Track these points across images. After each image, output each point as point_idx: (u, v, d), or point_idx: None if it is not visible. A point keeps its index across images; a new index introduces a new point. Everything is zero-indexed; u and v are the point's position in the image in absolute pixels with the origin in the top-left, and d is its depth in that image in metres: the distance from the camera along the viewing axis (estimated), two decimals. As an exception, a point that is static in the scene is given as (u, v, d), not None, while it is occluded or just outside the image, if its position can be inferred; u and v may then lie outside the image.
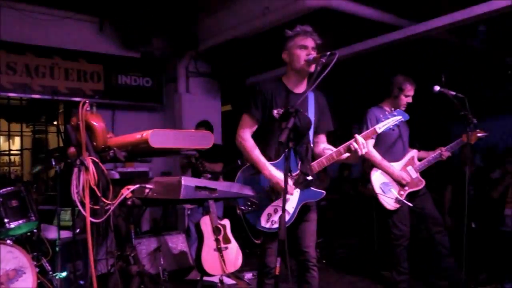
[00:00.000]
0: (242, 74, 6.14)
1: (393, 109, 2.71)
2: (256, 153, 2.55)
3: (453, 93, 3.64)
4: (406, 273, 3.84)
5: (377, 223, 4.09)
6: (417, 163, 3.89)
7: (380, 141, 3.82)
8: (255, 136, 2.63)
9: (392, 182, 3.76)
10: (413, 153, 3.91)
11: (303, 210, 2.61)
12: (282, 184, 2.23)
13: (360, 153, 2.46)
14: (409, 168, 3.84)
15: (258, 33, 5.26)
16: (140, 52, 6.09)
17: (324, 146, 2.72)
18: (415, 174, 3.83)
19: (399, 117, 2.65)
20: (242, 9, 5.29)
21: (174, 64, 6.30)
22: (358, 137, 2.47)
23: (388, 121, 2.63)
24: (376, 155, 3.75)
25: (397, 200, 3.71)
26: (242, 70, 6.12)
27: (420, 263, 4.61)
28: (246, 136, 2.60)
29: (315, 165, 2.57)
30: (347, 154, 2.52)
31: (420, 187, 3.83)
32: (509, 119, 7.34)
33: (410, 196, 3.81)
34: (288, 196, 2.50)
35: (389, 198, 3.70)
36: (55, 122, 7.18)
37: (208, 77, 6.41)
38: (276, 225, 2.50)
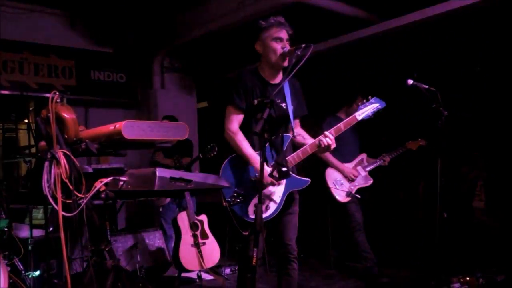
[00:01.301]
0: (218, 69, 6.11)
1: (370, 97, 2.77)
2: (247, 148, 2.55)
3: (426, 86, 3.74)
4: (372, 258, 4.20)
5: (331, 218, 4.51)
6: (366, 164, 4.42)
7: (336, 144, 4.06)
8: (241, 127, 2.61)
9: (343, 178, 4.28)
10: (363, 156, 4.47)
11: (287, 201, 2.62)
12: (269, 178, 2.39)
13: (331, 148, 2.56)
14: (359, 167, 4.38)
15: (233, 28, 5.25)
16: (113, 47, 5.97)
17: (297, 131, 2.74)
18: (364, 173, 4.37)
19: (376, 105, 2.74)
20: (218, 3, 5.26)
21: (149, 59, 6.22)
22: (327, 133, 2.57)
23: (367, 108, 2.71)
24: (328, 155, 4.20)
25: (348, 194, 4.20)
26: (218, 65, 6.09)
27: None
28: (235, 129, 2.59)
29: (300, 154, 2.59)
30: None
31: (368, 184, 4.34)
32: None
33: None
34: (273, 187, 2.53)
35: (341, 191, 4.21)
36: (26, 120, 6.98)
37: (183, 73, 6.36)
38: (262, 215, 2.51)
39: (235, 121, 2.59)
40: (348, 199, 4.23)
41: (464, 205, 5.07)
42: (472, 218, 4.97)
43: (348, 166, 4.31)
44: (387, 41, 5.45)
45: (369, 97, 2.77)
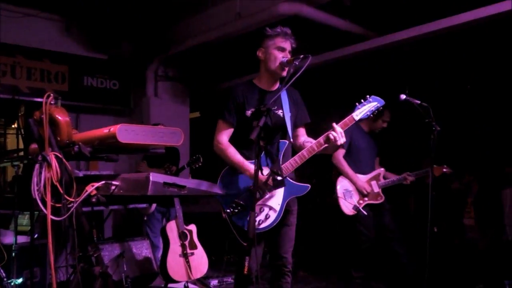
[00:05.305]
0: (212, 80, 6.12)
1: (368, 96, 2.68)
2: (235, 156, 2.56)
3: (418, 101, 3.77)
4: (362, 271, 4.17)
5: (340, 228, 4.36)
6: (382, 180, 4.21)
7: (351, 153, 4.15)
8: (233, 139, 2.64)
9: (354, 191, 4.10)
10: (381, 170, 4.25)
11: (284, 213, 2.58)
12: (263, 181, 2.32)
13: (339, 142, 2.47)
14: (373, 182, 4.18)
15: (229, 39, 5.27)
16: (108, 54, 5.94)
17: (304, 139, 2.72)
18: (377, 189, 4.16)
19: (374, 103, 2.65)
20: (214, 14, 5.29)
21: (143, 67, 6.21)
22: (336, 127, 2.49)
23: (364, 108, 2.62)
24: (343, 163, 4.07)
25: (355, 207, 4.04)
26: (212, 76, 6.10)
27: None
28: (223, 141, 2.62)
29: (297, 159, 2.55)
30: (327, 144, 2.51)
31: (379, 202, 4.14)
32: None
33: (373, 210, 4.12)
34: (271, 193, 2.51)
35: (348, 203, 4.04)
36: (14, 125, 6.89)
37: (177, 82, 6.35)
38: (263, 225, 2.51)
39: (225, 134, 2.63)
40: (354, 212, 4.05)
41: (455, 221, 5.09)
42: (463, 235, 4.99)
43: (362, 179, 4.12)
44: (381, 56, 5.53)
45: (367, 96, 2.69)
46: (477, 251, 4.78)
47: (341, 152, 4.07)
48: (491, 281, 4.58)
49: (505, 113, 6.48)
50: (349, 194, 4.07)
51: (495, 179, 5.39)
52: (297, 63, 2.48)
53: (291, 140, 2.62)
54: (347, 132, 3.82)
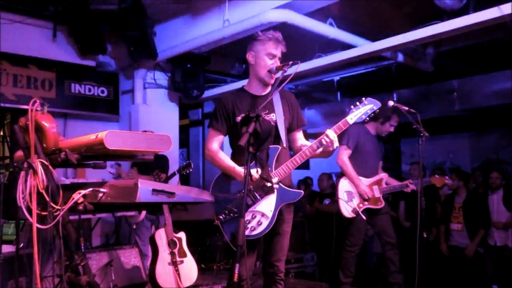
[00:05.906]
0: (200, 86, 6.10)
1: (363, 98, 2.60)
2: (225, 161, 2.56)
3: (406, 108, 3.82)
4: (351, 276, 4.14)
5: (336, 232, 4.35)
6: (384, 185, 4.17)
7: (357, 155, 4.11)
8: (229, 146, 2.65)
9: (356, 193, 4.05)
10: (384, 176, 4.22)
11: (277, 221, 2.56)
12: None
13: (331, 148, 2.45)
14: (375, 187, 4.12)
15: (218, 46, 5.27)
16: (96, 60, 5.90)
17: (301, 143, 2.71)
18: (378, 194, 4.11)
19: (370, 106, 2.58)
20: (202, 20, 5.28)
21: (131, 74, 6.17)
22: (329, 132, 2.46)
23: (359, 110, 2.56)
24: (348, 165, 4.04)
25: (355, 211, 3.99)
26: (201, 82, 6.09)
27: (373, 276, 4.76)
28: (214, 148, 2.63)
29: (289, 165, 2.53)
30: (320, 149, 2.49)
31: (378, 207, 4.10)
32: (455, 138, 7.77)
33: (371, 213, 4.10)
34: (264, 200, 2.49)
35: (349, 206, 4.00)
36: (0, 133, 6.79)
37: (166, 89, 6.31)
38: (254, 232, 2.49)
39: (215, 141, 2.64)
40: (353, 215, 4.00)
41: (442, 226, 5.12)
42: (450, 240, 5.02)
43: (364, 183, 4.05)
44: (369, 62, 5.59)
45: (363, 98, 2.60)
46: (465, 255, 4.81)
47: (346, 153, 4.05)
48: (479, 286, 4.61)
49: (492, 118, 6.59)
50: (350, 197, 4.02)
51: (483, 184, 5.46)
52: (286, 70, 2.49)
53: (284, 145, 2.58)
54: (354, 133, 3.96)
